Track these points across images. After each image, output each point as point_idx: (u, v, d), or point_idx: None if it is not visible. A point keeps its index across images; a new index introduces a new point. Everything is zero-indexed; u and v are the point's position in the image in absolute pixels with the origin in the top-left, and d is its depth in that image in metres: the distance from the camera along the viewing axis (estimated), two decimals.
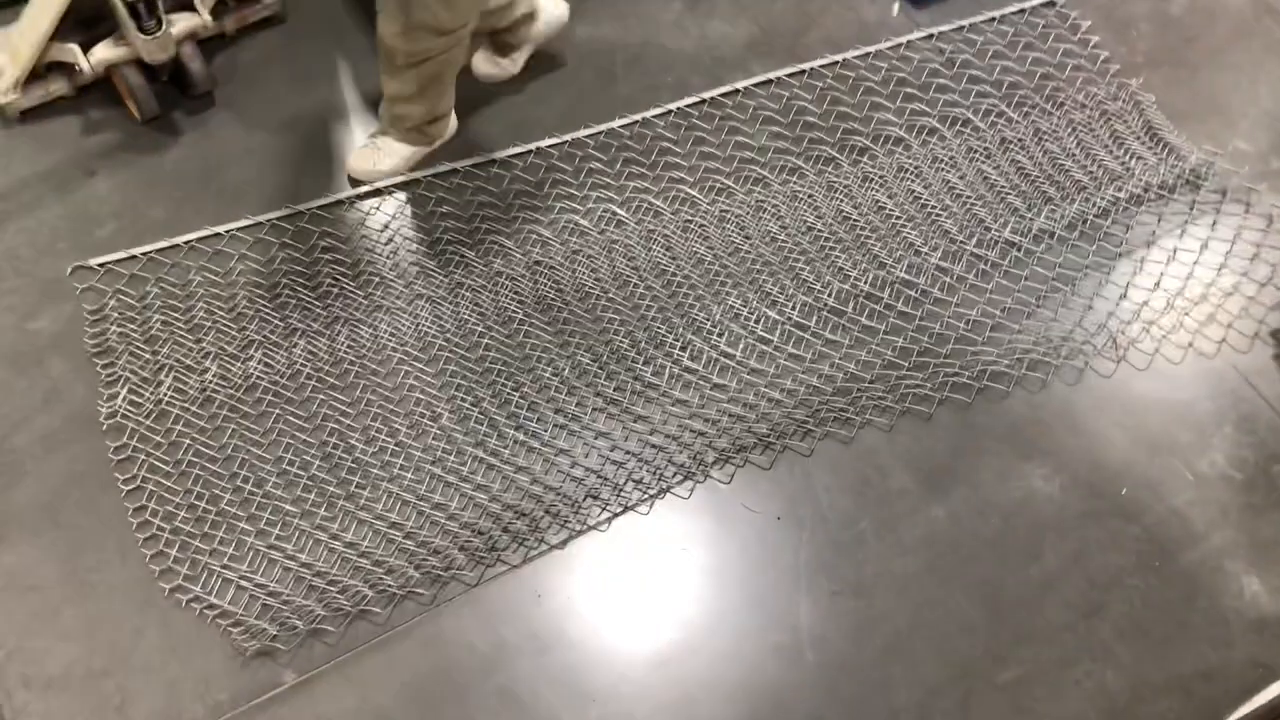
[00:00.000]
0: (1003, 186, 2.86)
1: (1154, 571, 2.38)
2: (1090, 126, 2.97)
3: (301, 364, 2.52)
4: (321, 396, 2.48)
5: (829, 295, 2.68)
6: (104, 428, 2.40)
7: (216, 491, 2.34)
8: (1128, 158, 2.92)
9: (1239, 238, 2.81)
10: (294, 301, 2.60)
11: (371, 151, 2.78)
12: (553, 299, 2.64)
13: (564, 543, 2.34)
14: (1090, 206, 2.81)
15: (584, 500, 2.38)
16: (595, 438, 2.47)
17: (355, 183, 2.80)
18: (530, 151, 2.87)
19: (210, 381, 2.48)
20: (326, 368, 2.52)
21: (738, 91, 3.02)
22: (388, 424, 2.45)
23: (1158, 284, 2.72)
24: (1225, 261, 2.78)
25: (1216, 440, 2.55)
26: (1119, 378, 2.62)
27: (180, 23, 2.76)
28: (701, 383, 2.55)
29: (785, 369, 2.58)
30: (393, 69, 2.56)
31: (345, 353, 2.54)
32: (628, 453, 2.44)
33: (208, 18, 2.83)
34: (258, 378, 2.49)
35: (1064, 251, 2.76)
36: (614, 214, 2.78)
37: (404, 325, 2.59)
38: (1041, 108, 3.00)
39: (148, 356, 2.50)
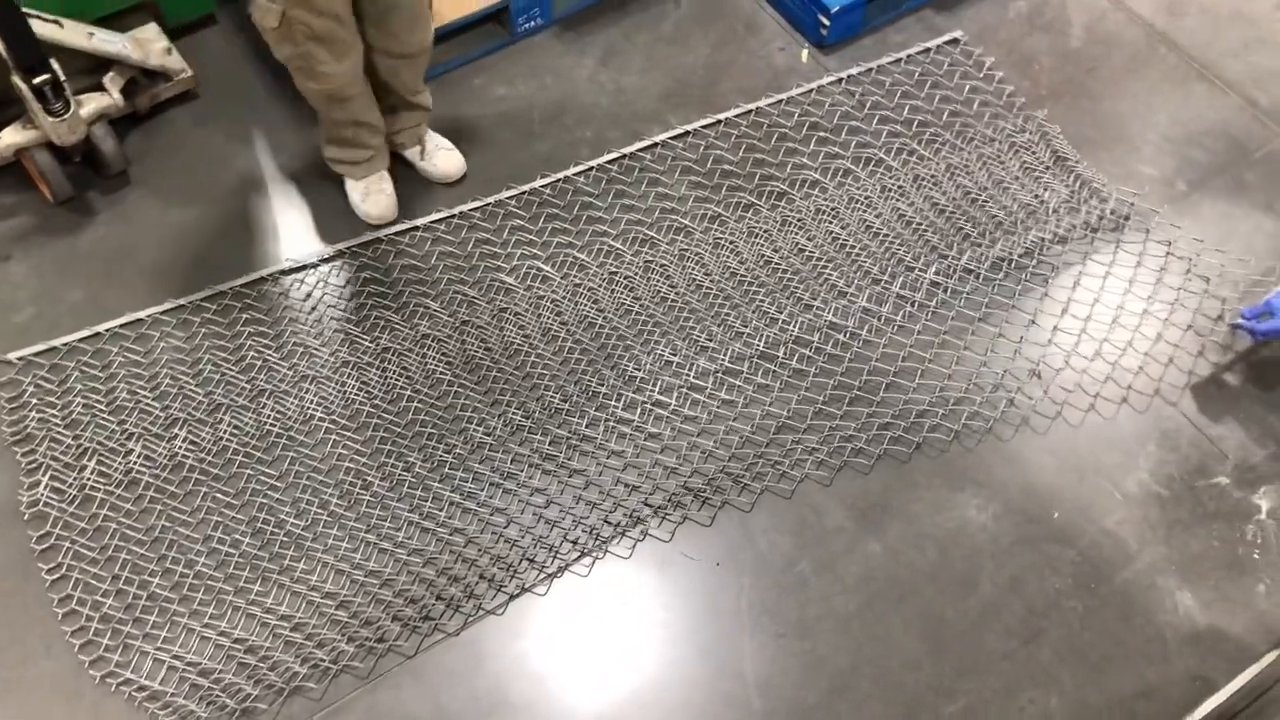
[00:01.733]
0: (920, 224, 2.91)
1: (1090, 593, 2.41)
2: (1000, 159, 3.04)
3: (228, 440, 2.49)
4: (249, 471, 2.45)
5: (759, 340, 2.70)
6: (25, 517, 2.35)
7: (146, 575, 2.30)
8: (1040, 189, 2.99)
9: (1164, 272, 2.88)
10: (218, 377, 2.58)
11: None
12: (481, 358, 2.64)
13: (502, 606, 2.32)
14: (1014, 247, 2.87)
15: (520, 563, 2.36)
16: (531, 494, 2.46)
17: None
18: (453, 215, 2.88)
19: (135, 463, 2.44)
20: (253, 442, 2.49)
21: (656, 144, 3.06)
22: (318, 495, 2.43)
23: (1085, 325, 2.77)
24: (1131, 288, 2.85)
25: (1141, 459, 2.59)
26: (1043, 407, 2.66)
27: (90, 104, 2.75)
28: (636, 433, 2.56)
29: (719, 415, 2.59)
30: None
31: (272, 425, 2.51)
32: (564, 510, 2.44)
33: (118, 97, 2.82)
34: (183, 456, 2.46)
35: (990, 291, 2.81)
36: (539, 270, 2.79)
37: (331, 394, 2.57)
38: (952, 144, 3.07)
39: (69, 441, 2.46)
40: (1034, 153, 3.06)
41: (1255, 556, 2.47)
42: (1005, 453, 2.58)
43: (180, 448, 2.46)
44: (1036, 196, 2.97)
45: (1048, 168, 3.04)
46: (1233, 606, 2.40)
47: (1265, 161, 3.09)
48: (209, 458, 2.46)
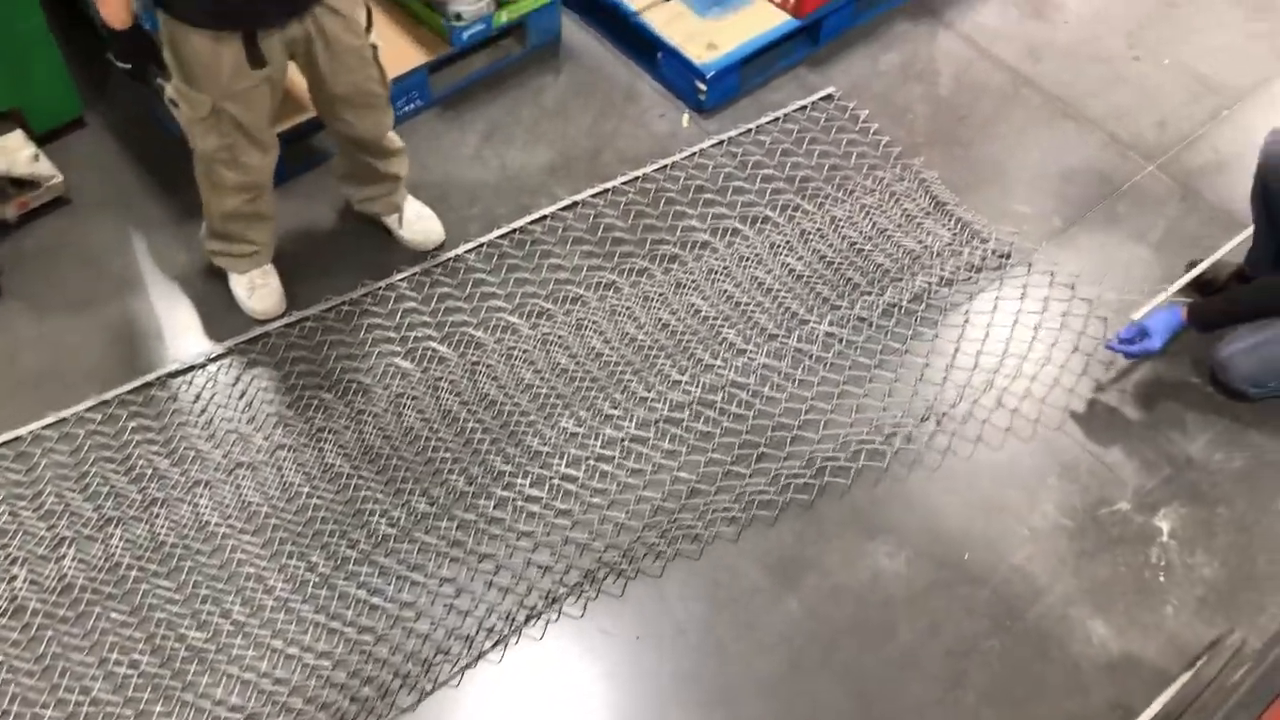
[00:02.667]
0: (810, 277, 2.95)
1: (1006, 631, 2.43)
2: (882, 208, 3.11)
3: (120, 555, 2.39)
4: (145, 586, 2.35)
5: (663, 405, 2.70)
6: None
7: (37, 709, 2.18)
8: (923, 234, 3.05)
9: (1048, 303, 2.95)
10: (107, 490, 2.48)
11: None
12: (380, 447, 2.59)
13: (416, 704, 2.25)
14: (902, 292, 2.92)
15: (434, 657, 2.30)
16: (440, 584, 2.40)
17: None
18: (343, 302, 2.84)
19: (20, 589, 2.32)
20: (148, 555, 2.40)
21: (545, 216, 3.06)
22: (219, 604, 2.34)
23: (976, 361, 2.83)
24: (1018, 324, 2.92)
25: (1043, 493, 2.64)
26: (943, 448, 2.70)
27: None
28: (545, 511, 2.52)
29: (628, 485, 2.57)
30: None
31: (166, 535, 2.42)
32: (476, 598, 2.38)
33: None
34: (73, 577, 2.35)
35: (883, 338, 2.85)
36: (435, 351, 2.76)
37: (226, 497, 2.49)
38: (834, 196, 3.13)
39: None
40: (914, 200, 3.14)
41: (1161, 579, 2.52)
42: (912, 497, 2.60)
43: (69, 568, 2.36)
44: (920, 242, 3.04)
45: (928, 213, 3.11)
46: (1145, 630, 2.44)
47: (1132, 193, 3.21)
48: (101, 575, 2.36)
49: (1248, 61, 3.58)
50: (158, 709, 2.20)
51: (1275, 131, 2.70)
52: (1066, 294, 2.96)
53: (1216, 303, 2.63)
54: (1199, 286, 2.90)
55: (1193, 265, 2.95)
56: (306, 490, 2.51)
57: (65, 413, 2.60)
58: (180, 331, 2.79)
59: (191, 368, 2.71)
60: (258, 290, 2.78)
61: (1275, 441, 2.74)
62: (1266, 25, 3.70)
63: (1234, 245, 2.84)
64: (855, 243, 3.03)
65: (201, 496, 2.49)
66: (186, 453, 2.56)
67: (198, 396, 2.66)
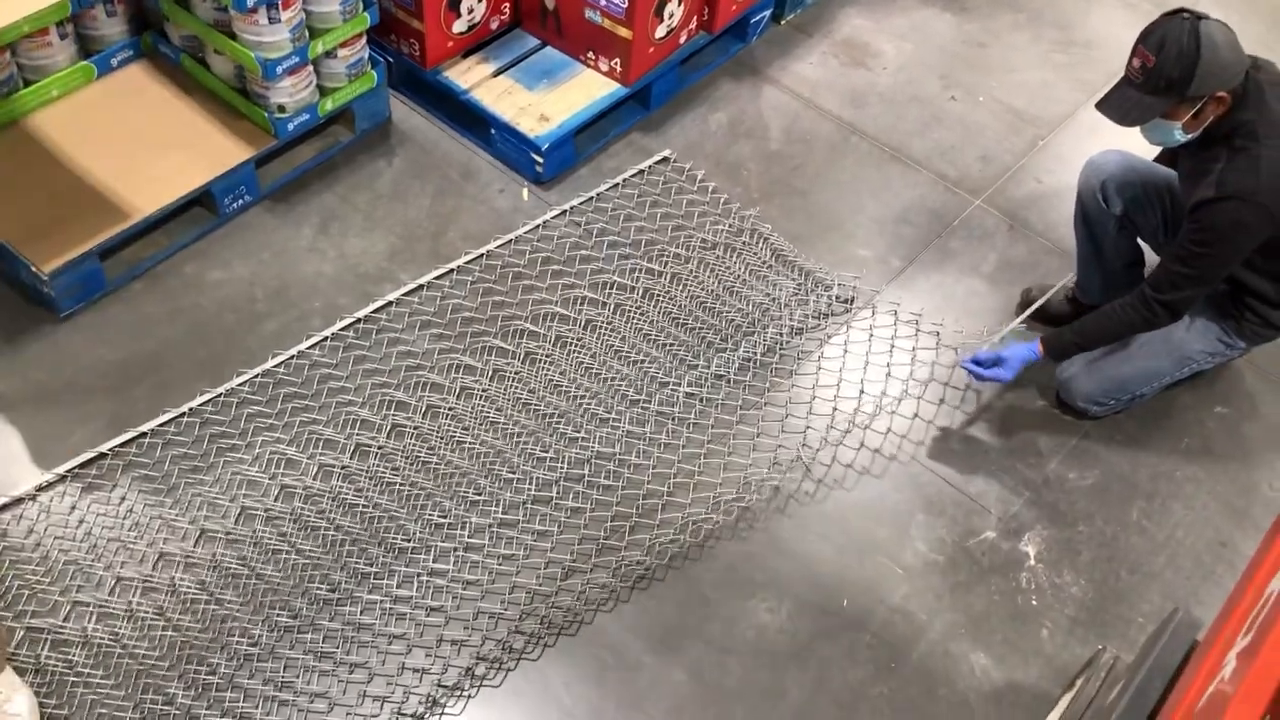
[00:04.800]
0: (663, 339, 2.95)
1: (892, 674, 2.43)
2: (727, 265, 3.14)
3: None
4: None
5: (530, 484, 2.64)
6: None
7: None
8: (768, 287, 3.09)
9: (895, 344, 3.01)
10: None
11: None
12: (237, 569, 2.46)
13: None
14: (756, 345, 2.94)
15: None
16: (311, 701, 2.28)
17: None
18: (182, 414, 2.70)
19: None
20: None
21: (390, 303, 2.98)
22: None
23: (834, 405, 2.87)
24: (869, 366, 2.97)
25: (913, 529, 2.67)
26: (811, 494, 2.71)
27: None
28: (415, 610, 2.43)
29: (500, 573, 2.50)
30: None
31: None
32: (350, 711, 2.27)
33: None
34: None
35: (742, 393, 2.86)
36: (283, 454, 2.65)
37: (70, 641, 2.32)
38: (680, 255, 3.14)
39: None
40: (756, 253, 3.18)
41: (1034, 603, 2.57)
42: (787, 547, 2.60)
43: None
44: (767, 294, 3.08)
45: (771, 265, 3.15)
46: (1024, 656, 2.48)
47: (963, 227, 3.33)
48: None
49: (1056, 92, 3.77)
50: None
51: (1090, 161, 2.83)
52: (912, 330, 3.03)
53: (1066, 334, 2.71)
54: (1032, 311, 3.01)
55: (1028, 292, 3.06)
56: (160, 623, 2.36)
57: None
58: (6, 461, 2.61)
59: (21, 499, 2.53)
60: None
61: (1121, 456, 2.84)
62: (1067, 57, 3.90)
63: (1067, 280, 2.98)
64: (704, 301, 3.05)
65: (42, 645, 2.31)
66: (20, 593, 2.38)
67: (30, 530, 2.49)
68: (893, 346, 2.99)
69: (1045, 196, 3.43)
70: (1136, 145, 2.65)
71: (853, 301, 3.09)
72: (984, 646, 2.49)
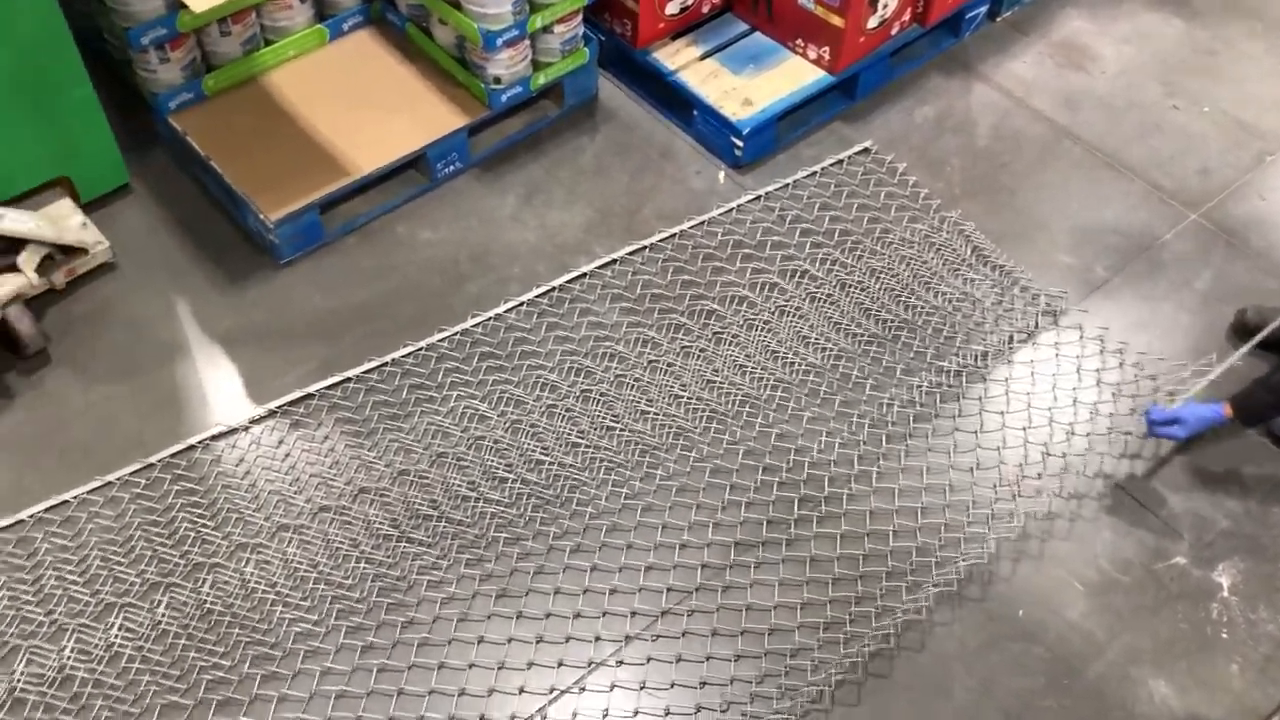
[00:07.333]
0: (852, 329, 2.93)
1: (1064, 690, 2.36)
2: (922, 258, 3.09)
3: (166, 623, 2.37)
4: (192, 655, 2.33)
5: (708, 463, 2.68)
6: None
7: None
8: (968, 287, 3.03)
9: (1104, 357, 2.92)
10: (150, 554, 2.48)
11: None
12: (427, 511, 2.58)
13: None
14: (950, 354, 2.89)
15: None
16: (480, 643, 2.37)
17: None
18: (386, 363, 2.84)
19: (68, 658, 2.31)
20: (194, 623, 2.38)
21: (584, 275, 3.06)
22: (270, 675, 2.32)
23: (1029, 418, 2.80)
24: (1066, 378, 2.88)
25: (1097, 546, 2.58)
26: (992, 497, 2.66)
27: (3, 286, 2.69)
28: (594, 573, 2.50)
29: (670, 546, 2.54)
30: None
31: (213, 603, 2.41)
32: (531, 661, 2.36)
33: (33, 276, 2.77)
34: (120, 645, 2.34)
35: (956, 401, 2.83)
36: (476, 410, 2.76)
37: (272, 561, 2.48)
38: (872, 249, 3.12)
39: None
40: (954, 250, 3.12)
41: (1224, 636, 2.45)
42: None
43: (116, 636, 2.35)
44: (965, 295, 3.02)
45: (969, 264, 3.09)
46: (1210, 690, 2.37)
47: (1176, 241, 3.18)
48: (148, 645, 2.34)
49: None
50: None
51: None
52: (1115, 348, 2.92)
53: (1261, 394, 2.54)
54: (1246, 331, 2.84)
55: (1243, 313, 2.90)
56: (355, 554, 2.49)
57: (110, 476, 2.60)
58: (224, 394, 2.80)
59: (235, 430, 2.72)
60: None
61: None
62: None
63: None
64: (898, 294, 3.02)
65: (247, 561, 2.48)
66: (229, 516, 2.56)
67: (241, 459, 2.67)
68: (1102, 364, 2.89)
69: (1269, 215, 3.25)
70: None
71: (1057, 314, 2.99)
72: (1166, 675, 2.39)
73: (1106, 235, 3.20)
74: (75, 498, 2.57)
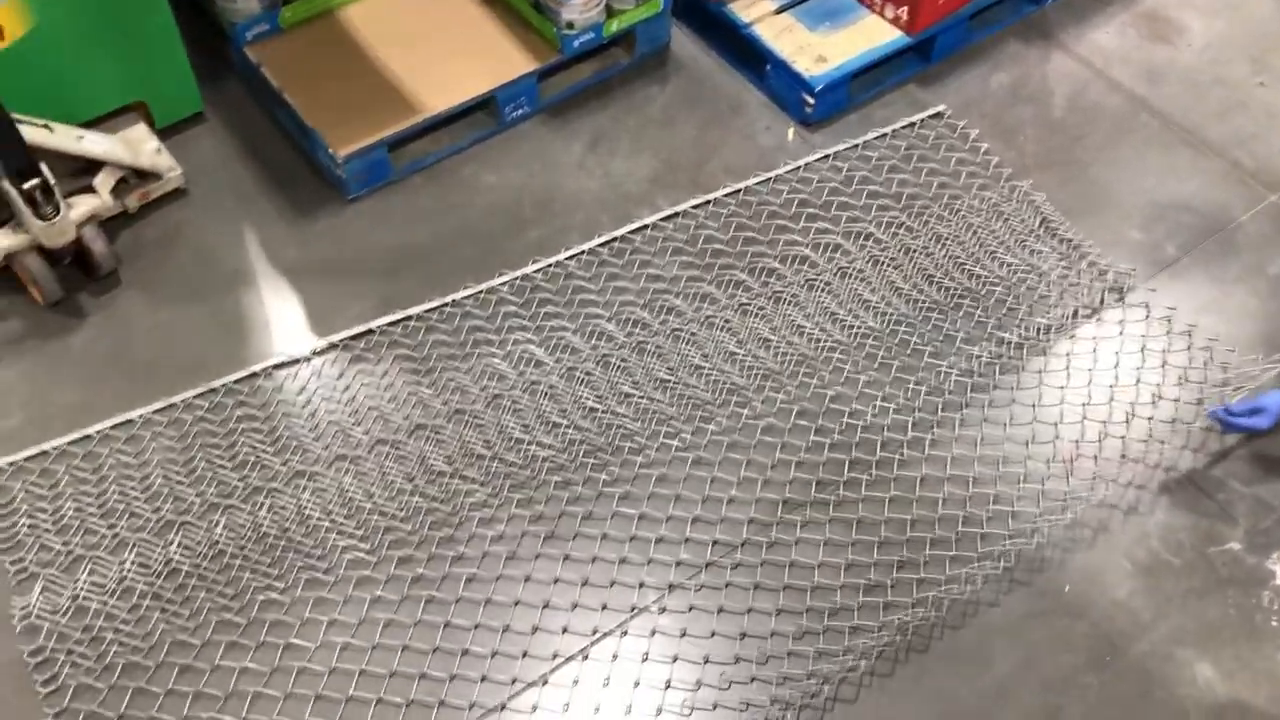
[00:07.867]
0: (914, 295, 2.91)
1: (1106, 667, 2.36)
2: (990, 226, 3.05)
3: (224, 543, 2.44)
4: (248, 575, 2.39)
5: (760, 421, 2.68)
6: (17, 629, 2.30)
7: (144, 683, 2.23)
8: (1035, 259, 2.99)
9: (1170, 338, 2.87)
10: (210, 476, 2.54)
11: None
12: (481, 451, 2.61)
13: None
14: (1014, 326, 2.85)
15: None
16: (525, 582, 2.41)
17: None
18: (446, 304, 2.87)
19: (129, 570, 2.38)
20: (249, 546, 2.44)
21: (646, 226, 3.06)
22: (321, 601, 2.37)
23: (1088, 396, 2.76)
24: (1130, 357, 2.84)
25: (1150, 526, 2.56)
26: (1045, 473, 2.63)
27: (79, 206, 2.75)
28: (641, 522, 2.52)
29: (718, 500, 2.56)
30: None
31: (269, 527, 2.47)
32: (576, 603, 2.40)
33: (108, 198, 2.82)
34: (179, 562, 2.41)
35: (1017, 374, 2.80)
36: (532, 355, 2.78)
37: (328, 490, 2.53)
38: (939, 215, 3.08)
39: (59, 547, 2.41)
40: (1023, 220, 3.07)
41: (1273, 624, 2.42)
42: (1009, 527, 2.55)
43: (175, 553, 2.42)
44: (1032, 267, 2.98)
45: (1037, 235, 3.05)
46: (1255, 677, 2.35)
47: (1254, 222, 3.11)
48: (205, 563, 2.41)
49: None
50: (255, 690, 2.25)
51: None
52: (1183, 329, 2.87)
53: None
54: None
55: None
56: (409, 489, 2.54)
57: (175, 398, 2.66)
58: (287, 324, 2.85)
59: (297, 360, 2.77)
60: None
61: None
62: None
63: None
64: (963, 263, 2.98)
65: (304, 489, 2.53)
66: (289, 443, 2.61)
67: (302, 389, 2.71)
68: (1165, 359, 2.84)
69: None
70: None
71: (1125, 291, 2.95)
72: (1211, 659, 2.37)
73: (1180, 213, 3.14)
74: (141, 417, 2.63)
